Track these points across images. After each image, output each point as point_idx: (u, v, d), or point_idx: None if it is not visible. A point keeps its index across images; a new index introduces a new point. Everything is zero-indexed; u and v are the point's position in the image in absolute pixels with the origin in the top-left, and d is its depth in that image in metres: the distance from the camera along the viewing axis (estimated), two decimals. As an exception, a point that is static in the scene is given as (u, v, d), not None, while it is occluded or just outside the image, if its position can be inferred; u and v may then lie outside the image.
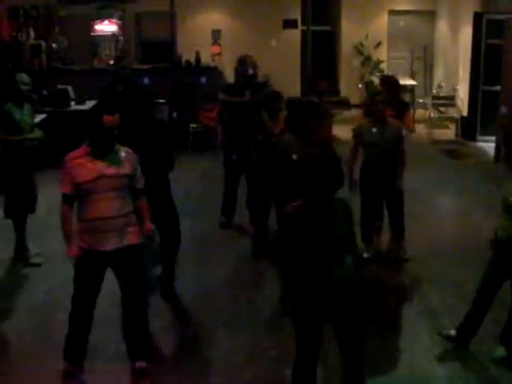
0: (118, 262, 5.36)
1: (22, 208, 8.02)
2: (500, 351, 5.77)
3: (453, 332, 5.98)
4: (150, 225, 5.59)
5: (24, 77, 7.96)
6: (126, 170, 5.27)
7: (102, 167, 5.19)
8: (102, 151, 5.22)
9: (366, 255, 7.76)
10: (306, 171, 4.49)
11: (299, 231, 4.51)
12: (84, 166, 5.20)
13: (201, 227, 9.06)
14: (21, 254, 8.04)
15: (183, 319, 6.74)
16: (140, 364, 5.57)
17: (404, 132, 7.78)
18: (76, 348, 5.54)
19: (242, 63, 8.90)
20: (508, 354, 5.73)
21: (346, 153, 8.56)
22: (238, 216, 9.20)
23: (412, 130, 8.27)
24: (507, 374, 5.58)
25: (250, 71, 8.92)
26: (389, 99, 7.89)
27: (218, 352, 6.01)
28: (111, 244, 5.26)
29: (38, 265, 7.90)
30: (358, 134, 7.78)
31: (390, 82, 8.69)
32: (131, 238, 5.35)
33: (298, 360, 4.80)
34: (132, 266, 5.41)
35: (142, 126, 6.92)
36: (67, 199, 5.30)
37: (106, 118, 5.19)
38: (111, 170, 5.20)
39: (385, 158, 7.63)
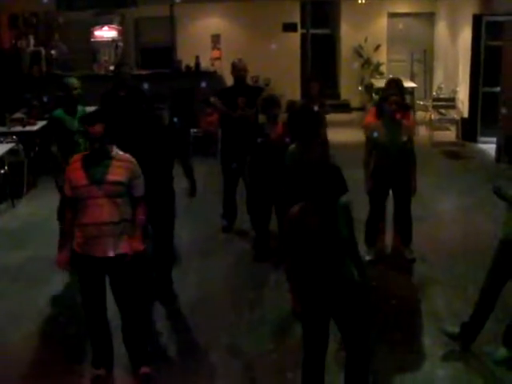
0: (112, 269, 5.35)
1: None
2: (502, 352, 5.75)
3: (456, 330, 5.97)
4: (138, 244, 5.42)
5: (74, 82, 7.89)
6: (118, 177, 5.25)
7: (92, 174, 5.21)
8: (91, 159, 5.26)
9: (368, 258, 7.75)
10: (311, 178, 4.58)
11: (302, 232, 4.60)
12: (77, 171, 5.25)
13: (203, 230, 9.08)
14: None
15: (184, 322, 6.72)
16: (144, 370, 5.58)
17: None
18: (98, 352, 5.60)
19: (233, 67, 8.94)
20: (510, 355, 5.72)
21: (345, 155, 8.61)
22: (240, 220, 9.20)
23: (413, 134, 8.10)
24: (510, 375, 5.57)
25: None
26: None
27: (220, 355, 6.00)
28: (104, 251, 5.26)
29: None
30: (371, 136, 7.65)
31: (397, 84, 8.59)
32: (126, 246, 5.33)
33: (306, 359, 4.87)
34: (125, 273, 5.39)
35: (148, 131, 6.92)
36: (68, 202, 5.36)
37: (89, 129, 5.19)
38: (102, 177, 5.20)
39: (396, 159, 7.57)
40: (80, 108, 7.96)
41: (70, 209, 5.36)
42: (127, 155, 5.40)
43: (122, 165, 5.30)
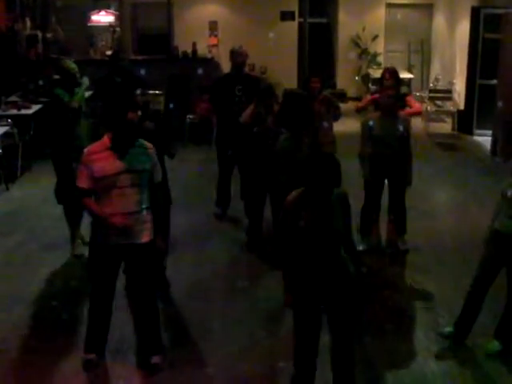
0: (131, 257, 5.35)
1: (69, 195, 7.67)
2: (494, 345, 5.77)
3: (448, 329, 5.98)
4: (161, 243, 5.48)
5: (72, 65, 7.88)
6: (146, 165, 5.23)
7: (123, 162, 5.14)
8: (124, 146, 5.18)
9: (362, 247, 7.75)
10: (306, 169, 4.51)
11: (296, 221, 4.55)
12: (105, 160, 5.13)
13: (196, 218, 9.06)
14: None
15: (176, 310, 6.72)
16: (156, 359, 5.57)
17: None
18: (92, 337, 5.60)
19: (232, 54, 8.88)
20: (502, 348, 5.74)
21: (340, 145, 8.59)
22: (233, 208, 9.19)
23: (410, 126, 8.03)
24: (502, 368, 5.58)
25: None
26: None
27: (213, 343, 5.99)
28: (128, 238, 5.23)
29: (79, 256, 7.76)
30: (367, 128, 7.63)
31: (391, 74, 8.57)
32: (146, 235, 5.32)
33: (298, 347, 4.84)
34: (143, 263, 5.38)
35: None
36: (84, 194, 5.22)
37: (130, 115, 5.16)
38: (132, 165, 5.15)
39: (392, 150, 7.55)
40: (79, 88, 7.94)
41: (90, 199, 5.25)
42: (148, 142, 5.35)
43: (145, 152, 5.26)
